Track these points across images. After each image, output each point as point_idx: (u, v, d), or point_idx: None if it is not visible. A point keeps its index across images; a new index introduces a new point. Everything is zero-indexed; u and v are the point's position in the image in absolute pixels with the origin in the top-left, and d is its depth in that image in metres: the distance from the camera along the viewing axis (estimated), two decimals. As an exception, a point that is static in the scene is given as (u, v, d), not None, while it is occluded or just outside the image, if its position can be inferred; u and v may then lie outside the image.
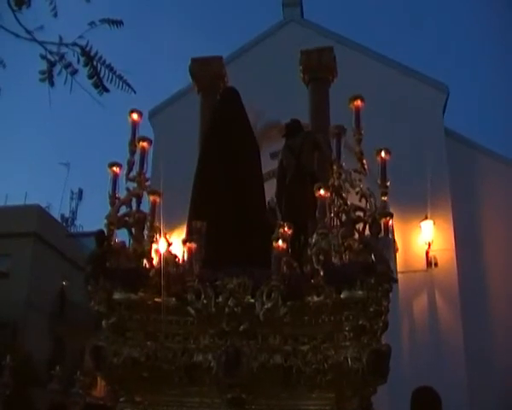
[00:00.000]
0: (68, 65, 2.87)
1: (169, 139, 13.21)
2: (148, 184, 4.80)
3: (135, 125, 4.83)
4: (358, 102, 4.81)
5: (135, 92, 3.42)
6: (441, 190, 12.34)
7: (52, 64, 2.87)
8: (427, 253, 12.28)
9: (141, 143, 4.80)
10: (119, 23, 3.02)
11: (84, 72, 2.92)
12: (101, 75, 2.93)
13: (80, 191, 23.49)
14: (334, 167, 4.66)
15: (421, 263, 12.21)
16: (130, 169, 4.82)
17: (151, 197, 4.66)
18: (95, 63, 2.91)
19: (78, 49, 2.86)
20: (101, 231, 4.56)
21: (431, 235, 12.32)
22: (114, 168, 4.81)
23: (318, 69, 7.18)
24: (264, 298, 4.28)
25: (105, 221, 4.62)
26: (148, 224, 4.58)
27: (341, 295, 4.22)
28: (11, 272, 15.94)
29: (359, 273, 4.23)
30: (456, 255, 12.12)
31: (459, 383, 10.71)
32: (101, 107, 3.05)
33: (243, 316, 4.29)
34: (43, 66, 2.90)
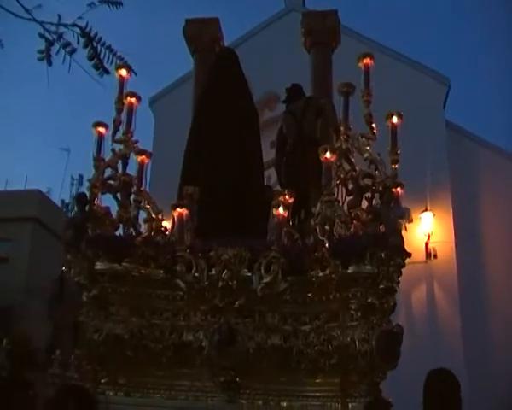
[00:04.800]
0: (67, 44, 2.72)
1: (170, 126, 12.60)
2: (136, 145, 4.14)
3: (122, 81, 4.17)
4: (368, 61, 4.22)
5: (135, 74, 3.41)
6: (441, 182, 11.81)
7: (50, 43, 2.73)
8: (426, 244, 11.73)
9: (128, 99, 4.15)
10: (118, 4, 2.84)
11: (83, 53, 2.78)
12: (102, 57, 2.78)
13: (81, 177, 22.59)
14: (342, 129, 4.02)
15: (421, 255, 11.63)
16: (116, 129, 4.19)
17: (139, 158, 4.02)
18: (95, 44, 2.76)
19: (77, 30, 2.72)
20: (83, 194, 3.94)
21: (431, 227, 11.78)
22: (100, 128, 4.17)
23: (321, 33, 6.50)
24: (263, 271, 3.74)
25: (88, 184, 3.98)
26: (135, 188, 3.92)
27: (348, 270, 3.68)
28: (11, 256, 15.38)
29: (368, 246, 3.67)
30: (456, 247, 11.58)
31: (457, 374, 10.09)
32: (101, 87, 2.94)
33: (239, 291, 3.75)
34: (42, 46, 2.76)
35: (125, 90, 4.31)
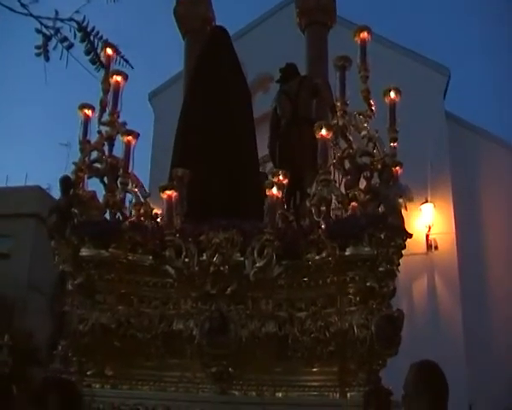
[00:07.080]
0: (64, 39, 2.69)
1: (170, 120, 12.36)
2: (124, 128, 3.88)
3: (109, 60, 3.90)
4: (364, 35, 3.96)
5: (132, 68, 3.27)
6: (441, 173, 11.58)
7: (48, 38, 2.69)
8: (427, 236, 11.54)
9: (114, 78, 3.89)
10: None
11: (80, 47, 2.75)
12: (98, 51, 2.78)
13: (81, 172, 22.47)
14: (338, 104, 3.75)
15: (422, 246, 11.44)
16: (103, 110, 3.93)
17: (125, 138, 3.75)
18: (92, 39, 2.73)
19: (74, 25, 2.68)
20: (67, 177, 3.68)
21: (431, 218, 11.60)
22: (86, 111, 3.92)
23: (316, 12, 6.21)
24: (256, 255, 3.54)
25: (73, 167, 3.73)
26: (122, 170, 3.66)
27: (346, 253, 3.47)
28: (12, 253, 15.27)
29: (367, 227, 3.45)
30: (457, 239, 11.39)
31: (458, 366, 9.91)
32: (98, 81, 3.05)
33: (231, 276, 3.55)
34: (39, 41, 2.72)
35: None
